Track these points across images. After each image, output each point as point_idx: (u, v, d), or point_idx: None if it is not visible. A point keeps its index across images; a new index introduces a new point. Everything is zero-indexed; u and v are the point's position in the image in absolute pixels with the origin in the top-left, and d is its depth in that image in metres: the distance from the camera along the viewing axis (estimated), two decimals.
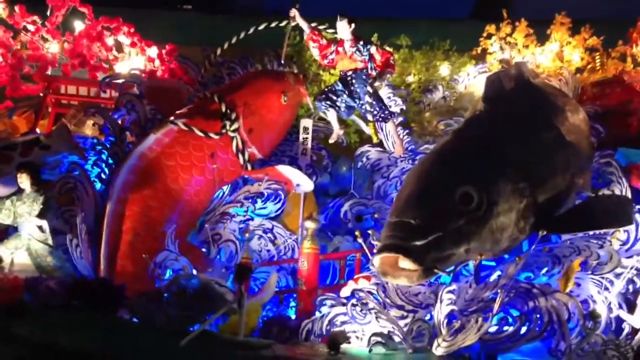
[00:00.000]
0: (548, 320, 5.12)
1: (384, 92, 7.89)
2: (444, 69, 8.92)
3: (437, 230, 5.01)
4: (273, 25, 7.68)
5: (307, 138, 7.64)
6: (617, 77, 8.08)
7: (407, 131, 7.63)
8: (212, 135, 6.63)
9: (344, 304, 5.64)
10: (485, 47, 8.72)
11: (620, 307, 5.69)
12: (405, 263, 5.12)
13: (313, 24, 7.28)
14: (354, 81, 6.84)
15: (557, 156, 5.86)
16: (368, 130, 7.92)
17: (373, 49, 6.82)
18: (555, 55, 8.41)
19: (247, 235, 6.87)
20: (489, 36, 8.69)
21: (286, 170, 7.08)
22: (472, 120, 6.26)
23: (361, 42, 6.80)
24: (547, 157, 5.75)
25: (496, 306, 5.10)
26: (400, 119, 7.74)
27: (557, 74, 7.94)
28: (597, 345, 4.91)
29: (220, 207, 7.03)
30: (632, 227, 6.06)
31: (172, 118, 6.82)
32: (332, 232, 7.66)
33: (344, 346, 5.27)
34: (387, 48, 7.96)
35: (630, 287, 5.78)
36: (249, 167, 7.14)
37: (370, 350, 5.16)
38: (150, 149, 6.52)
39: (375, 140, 7.14)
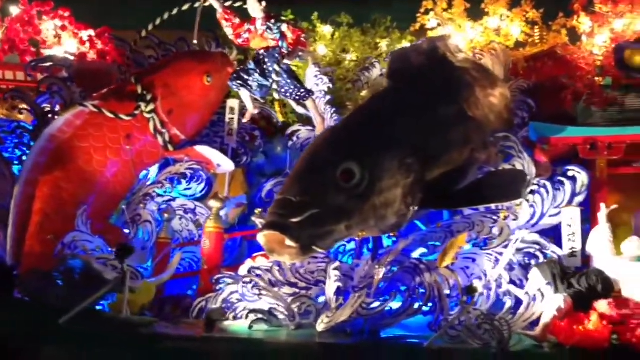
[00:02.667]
0: (429, 295, 5.13)
1: (311, 71, 7.85)
2: (385, 46, 8.82)
3: (314, 207, 4.99)
4: (197, 5, 7.63)
5: (233, 118, 7.64)
6: (549, 51, 7.91)
7: (334, 109, 7.56)
8: (122, 116, 6.65)
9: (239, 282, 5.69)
10: (423, 23, 8.57)
11: (521, 282, 5.64)
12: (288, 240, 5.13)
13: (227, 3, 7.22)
14: (266, 60, 6.78)
15: (455, 132, 5.77)
16: (299, 109, 7.85)
17: (284, 27, 6.74)
18: (492, 30, 8.24)
19: (166, 215, 6.94)
20: (427, 12, 8.53)
21: (205, 151, 7.09)
22: (374, 96, 6.20)
23: (272, 20, 6.74)
24: (442, 132, 5.68)
25: (375, 282, 5.12)
26: (328, 97, 7.68)
27: (489, 49, 7.80)
28: (475, 320, 4.88)
29: (144, 188, 7.11)
30: (538, 202, 6.02)
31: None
32: (265, 212, 7.68)
33: (227, 323, 5.37)
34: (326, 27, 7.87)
35: (533, 261, 5.73)
36: (171, 148, 7.16)
37: (250, 327, 5.21)
38: (61, 130, 6.57)
39: (280, 119, 7.09)
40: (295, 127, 7.83)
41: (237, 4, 7.52)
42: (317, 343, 4.89)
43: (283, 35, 6.74)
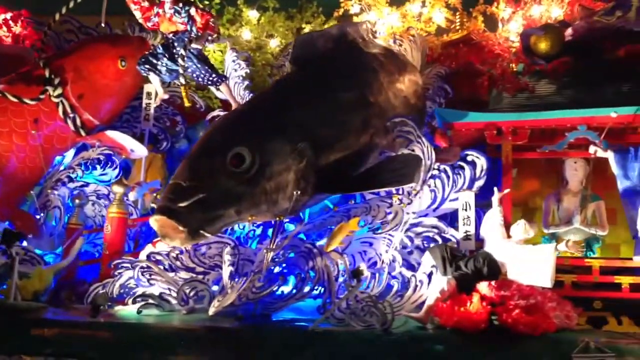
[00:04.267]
0: (318, 279, 5.17)
1: (229, 56, 7.82)
2: (308, 31, 8.79)
3: (203, 191, 4.99)
4: None
5: (149, 103, 7.59)
6: (464, 37, 7.99)
7: (251, 94, 7.54)
8: (27, 100, 6.55)
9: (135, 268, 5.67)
10: (347, 9, 8.57)
11: (419, 265, 5.70)
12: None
13: None
14: (175, 44, 6.72)
15: (353, 117, 5.81)
16: (220, 94, 7.80)
17: (192, 11, 6.68)
18: (414, 16, 8.28)
19: (77, 201, 6.88)
20: None
21: (117, 136, 7.01)
22: (275, 82, 6.20)
23: (180, 4, 6.68)
24: (339, 117, 5.71)
25: (264, 266, 5.14)
26: (247, 82, 7.66)
27: (407, 35, 7.84)
28: (360, 302, 4.93)
29: (57, 173, 7.05)
30: (439, 187, 6.10)
31: None
32: None
33: (117, 308, 5.36)
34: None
35: (432, 245, 5.80)
36: (83, 133, 7.07)
37: (139, 312, 5.20)
38: None
39: (186, 103, 7.07)
40: (216, 112, 7.83)
41: None
42: (204, 327, 4.88)
43: (192, 19, 6.67)
